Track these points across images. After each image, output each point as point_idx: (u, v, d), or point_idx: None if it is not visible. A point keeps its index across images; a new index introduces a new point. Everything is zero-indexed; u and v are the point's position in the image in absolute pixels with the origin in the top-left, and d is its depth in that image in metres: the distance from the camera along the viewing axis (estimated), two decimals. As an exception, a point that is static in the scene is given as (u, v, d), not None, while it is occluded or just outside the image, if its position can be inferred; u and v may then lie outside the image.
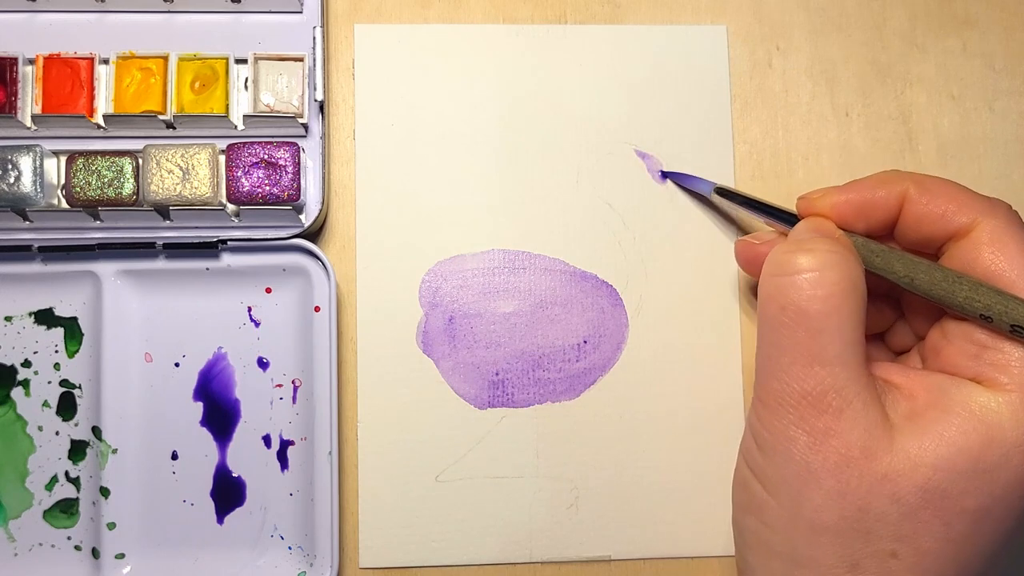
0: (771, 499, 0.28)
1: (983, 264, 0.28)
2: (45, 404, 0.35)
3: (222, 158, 0.35)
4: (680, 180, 0.37)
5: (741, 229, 0.37)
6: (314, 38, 0.36)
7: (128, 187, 0.34)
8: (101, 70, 0.36)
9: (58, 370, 0.35)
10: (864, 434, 0.27)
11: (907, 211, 0.29)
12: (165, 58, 0.35)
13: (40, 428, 0.35)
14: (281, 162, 0.35)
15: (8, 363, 0.35)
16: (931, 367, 0.29)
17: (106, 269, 0.35)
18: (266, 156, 0.35)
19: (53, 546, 0.35)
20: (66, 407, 0.35)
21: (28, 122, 0.35)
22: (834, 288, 0.27)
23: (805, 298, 0.27)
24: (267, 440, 0.35)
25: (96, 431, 0.35)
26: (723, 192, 0.35)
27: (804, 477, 0.27)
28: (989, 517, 0.26)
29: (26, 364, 0.35)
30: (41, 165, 0.34)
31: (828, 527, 0.27)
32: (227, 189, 0.35)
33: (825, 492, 0.27)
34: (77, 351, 0.36)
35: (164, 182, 0.34)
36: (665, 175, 0.37)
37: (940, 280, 0.28)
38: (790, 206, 0.38)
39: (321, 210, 0.35)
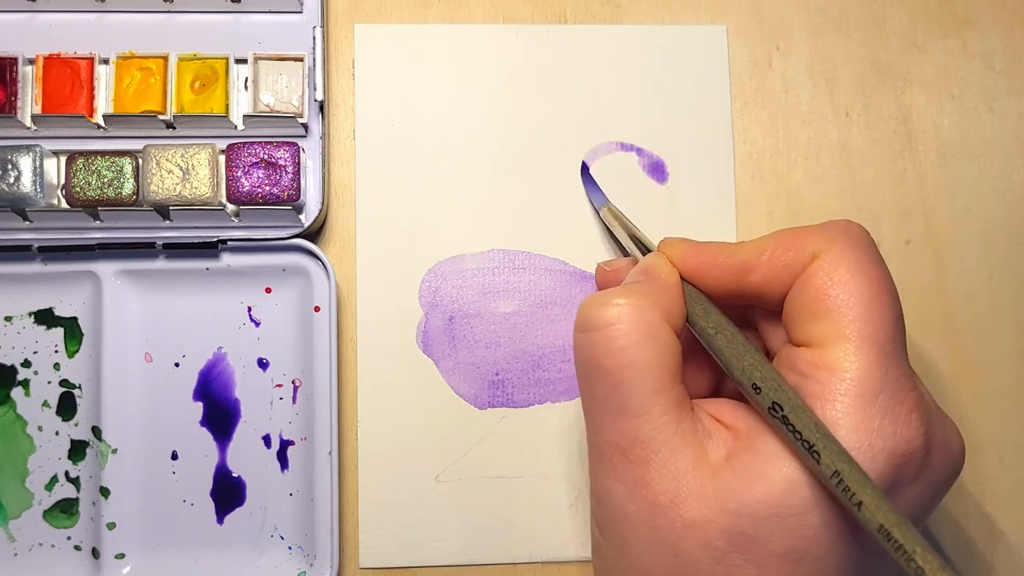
0: (605, 543, 0.28)
1: (812, 290, 0.27)
2: (45, 404, 0.35)
3: (222, 158, 0.35)
4: (586, 182, 0.37)
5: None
6: (314, 38, 0.36)
7: (128, 187, 0.34)
8: (101, 70, 0.36)
9: (58, 370, 0.35)
10: (672, 482, 0.26)
11: (752, 279, 0.29)
12: (165, 58, 0.35)
13: (40, 428, 0.35)
14: (281, 162, 0.35)
15: (8, 363, 0.35)
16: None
17: (106, 269, 0.35)
18: (266, 156, 0.35)
19: (53, 546, 0.35)
20: (66, 407, 0.35)
21: (28, 122, 0.35)
22: (627, 340, 0.27)
23: (601, 353, 0.27)
24: (267, 440, 0.35)
25: (96, 431, 0.35)
26: (612, 212, 0.35)
27: (623, 524, 0.27)
28: (807, 557, 0.26)
29: (26, 364, 0.35)
30: (41, 165, 0.34)
31: (651, 572, 0.27)
32: (227, 189, 0.35)
33: (642, 539, 0.27)
34: (77, 351, 0.36)
35: (164, 182, 0.34)
36: (584, 170, 0.37)
37: (727, 345, 0.28)
38: (787, 206, 0.38)
39: (321, 210, 0.35)
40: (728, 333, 0.28)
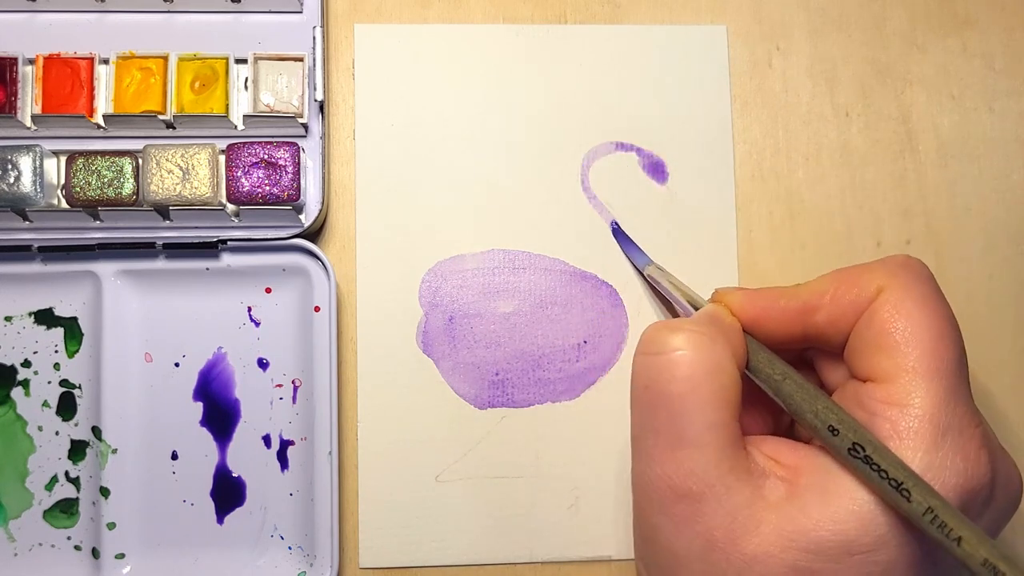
0: None
1: (879, 324, 0.27)
2: (45, 404, 0.35)
3: (222, 158, 0.35)
4: (622, 243, 0.36)
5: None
6: (314, 38, 0.36)
7: (128, 187, 0.34)
8: (101, 70, 0.36)
9: (58, 370, 0.35)
10: (727, 518, 0.26)
11: (817, 320, 0.29)
12: (165, 58, 0.35)
13: (40, 428, 0.35)
14: (281, 162, 0.35)
15: (8, 363, 0.35)
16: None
17: (106, 269, 0.35)
18: (266, 156, 0.35)
19: (53, 546, 0.35)
20: (66, 407, 0.35)
21: (28, 122, 0.35)
22: (695, 368, 0.27)
23: (666, 378, 0.27)
24: (267, 440, 0.35)
25: (96, 431, 0.35)
26: (655, 271, 0.35)
27: (673, 563, 0.27)
28: None
29: (26, 364, 0.35)
30: (41, 165, 0.34)
31: None
32: (227, 189, 0.35)
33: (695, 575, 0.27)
34: (77, 351, 0.36)
35: (164, 182, 0.34)
36: (615, 232, 0.37)
37: (797, 390, 0.28)
38: (787, 206, 0.38)
39: (321, 210, 0.35)
40: (796, 378, 0.28)
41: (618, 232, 0.37)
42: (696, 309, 0.31)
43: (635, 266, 0.36)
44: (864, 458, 0.26)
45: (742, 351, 0.29)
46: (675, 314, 0.36)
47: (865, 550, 0.26)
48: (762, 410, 0.32)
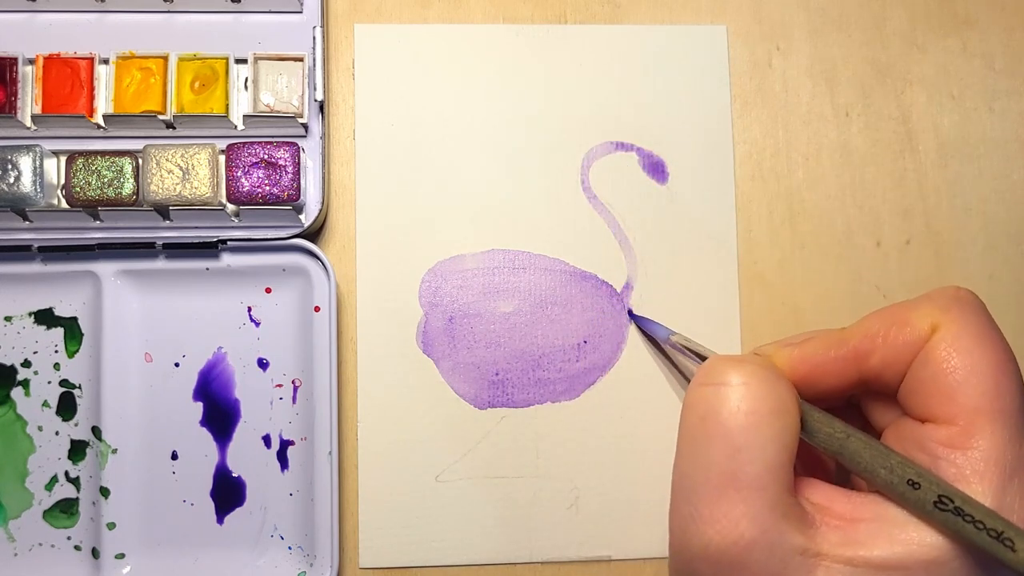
0: None
1: (936, 363, 0.26)
2: (45, 404, 0.35)
3: (222, 158, 0.35)
4: (641, 323, 0.36)
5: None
6: (314, 38, 0.36)
7: (128, 187, 0.34)
8: (101, 70, 0.36)
9: (58, 370, 0.35)
10: (779, 564, 0.25)
11: (872, 364, 0.27)
12: (165, 58, 0.35)
13: (40, 428, 0.35)
14: (281, 162, 0.35)
15: (8, 363, 0.35)
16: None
17: (106, 269, 0.35)
18: (266, 156, 0.35)
19: (53, 546, 0.35)
20: (66, 407, 0.35)
21: (28, 122, 0.35)
22: (759, 404, 0.25)
23: (728, 411, 0.26)
24: (267, 440, 0.35)
25: (96, 431, 0.35)
26: (681, 339, 0.34)
27: None
28: None
29: (26, 364, 0.35)
30: (41, 165, 0.34)
31: None
32: (227, 189, 0.35)
33: None
34: (77, 351, 0.36)
35: (164, 182, 0.34)
36: (632, 316, 0.36)
37: (865, 447, 0.27)
38: (787, 206, 0.38)
39: (321, 210, 0.35)
40: (860, 436, 0.27)
41: (633, 315, 0.36)
42: None
43: (657, 340, 0.36)
44: (954, 510, 0.24)
45: (798, 400, 0.27)
46: None
47: None
48: (805, 458, 0.30)
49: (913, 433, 0.27)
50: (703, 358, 0.31)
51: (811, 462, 0.31)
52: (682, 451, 0.27)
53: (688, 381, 0.35)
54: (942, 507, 0.25)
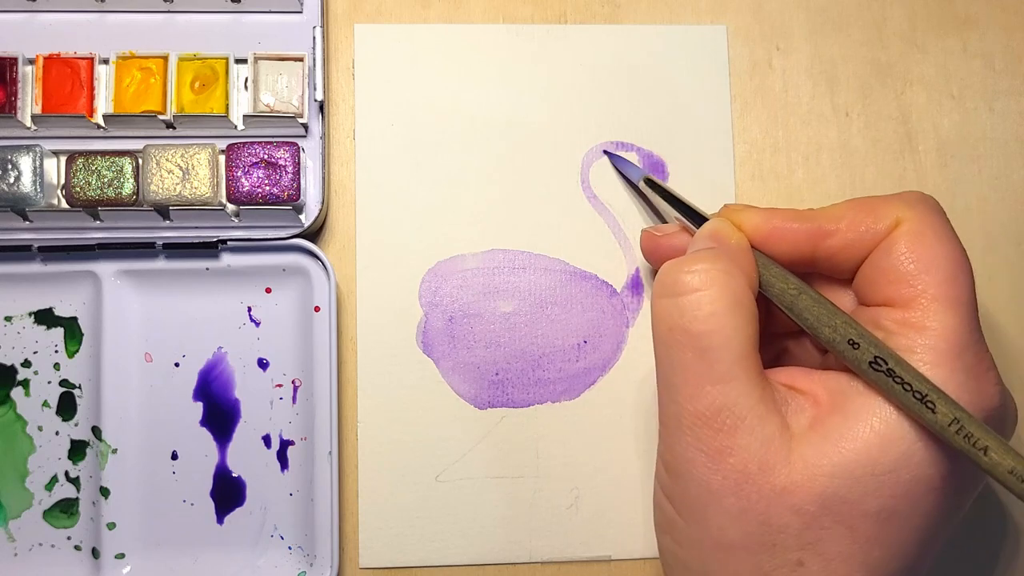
0: (680, 519, 0.28)
1: (900, 252, 0.28)
2: (45, 404, 0.35)
3: (222, 158, 0.35)
4: (616, 162, 0.37)
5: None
6: (314, 38, 0.36)
7: (128, 187, 0.34)
8: (101, 70, 0.36)
9: (58, 370, 0.35)
10: (760, 449, 0.26)
11: (830, 244, 0.29)
12: (165, 58, 0.35)
13: (40, 428, 0.35)
14: (281, 162, 0.35)
15: (8, 363, 0.35)
16: (841, 365, 0.29)
17: (106, 269, 0.35)
18: (266, 156, 0.35)
19: (53, 546, 0.35)
20: (66, 407, 0.35)
21: (28, 122, 0.35)
22: (716, 306, 0.27)
23: (689, 318, 0.27)
24: (267, 440, 0.35)
25: (96, 431, 0.35)
26: (650, 183, 0.35)
27: (705, 497, 0.27)
28: (895, 516, 0.26)
29: (26, 364, 0.35)
30: (41, 165, 0.34)
31: (734, 544, 0.27)
32: (227, 189, 0.35)
33: (727, 510, 0.27)
34: (77, 351, 0.36)
35: (164, 182, 0.34)
36: (608, 155, 0.37)
37: (814, 304, 0.28)
38: (787, 206, 0.38)
39: (321, 210, 0.35)
40: (812, 293, 0.29)
41: (611, 155, 0.37)
42: (700, 222, 0.31)
43: (630, 182, 0.37)
44: (887, 371, 0.26)
45: (753, 273, 0.29)
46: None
47: (888, 469, 0.26)
48: (771, 338, 0.32)
49: (868, 316, 0.28)
50: (675, 199, 0.33)
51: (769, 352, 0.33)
52: (659, 358, 0.29)
53: (662, 221, 0.36)
54: (876, 367, 0.26)
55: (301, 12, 0.37)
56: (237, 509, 0.35)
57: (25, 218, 0.35)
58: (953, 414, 0.25)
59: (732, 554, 0.27)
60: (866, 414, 0.27)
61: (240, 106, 0.36)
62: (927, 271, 0.27)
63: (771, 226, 0.30)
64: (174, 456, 0.35)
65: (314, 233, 0.36)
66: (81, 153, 0.35)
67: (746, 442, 0.27)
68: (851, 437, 0.26)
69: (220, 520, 0.35)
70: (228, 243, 0.35)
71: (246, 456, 0.35)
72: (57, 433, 0.35)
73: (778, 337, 0.33)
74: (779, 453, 0.26)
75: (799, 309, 0.28)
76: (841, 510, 0.26)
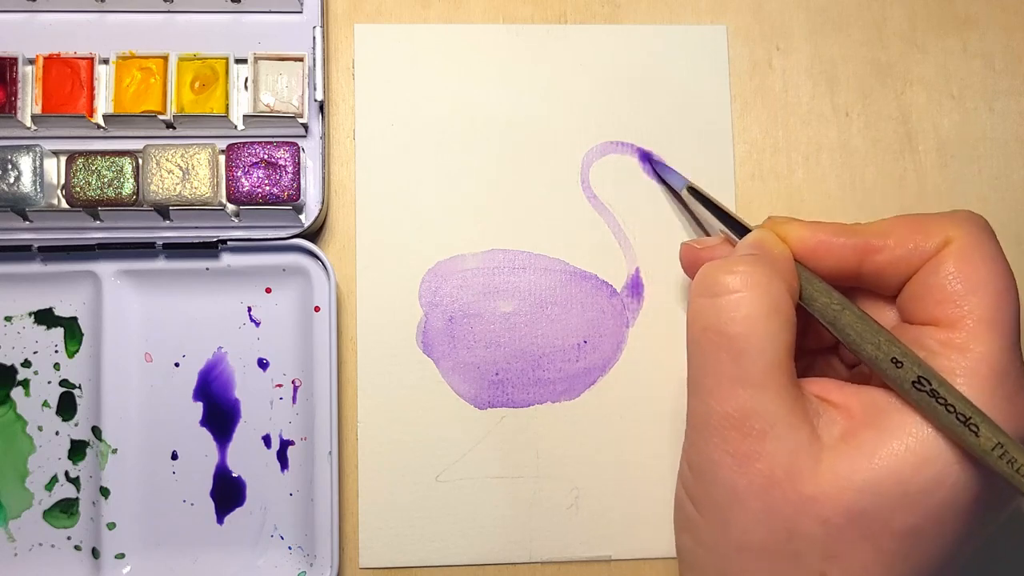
0: (702, 519, 0.28)
1: (947, 272, 0.27)
2: (45, 404, 0.35)
3: (222, 158, 0.35)
4: (659, 169, 0.37)
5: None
6: (314, 38, 0.36)
7: (128, 187, 0.34)
8: (101, 70, 0.36)
9: (58, 370, 0.35)
10: (789, 456, 0.26)
11: (877, 260, 0.29)
12: (165, 58, 0.35)
13: (40, 428, 0.35)
14: (281, 162, 0.35)
15: (8, 363, 0.35)
16: (876, 381, 0.29)
17: (106, 269, 0.35)
18: (266, 156, 0.35)
19: (53, 546, 0.35)
20: (66, 407, 0.35)
21: (28, 122, 0.35)
22: (753, 309, 0.27)
23: (725, 320, 0.27)
24: (267, 440, 0.35)
25: (96, 431, 0.35)
26: (693, 192, 0.35)
27: (730, 499, 0.27)
28: (921, 536, 0.26)
29: (26, 364, 0.35)
30: (41, 165, 0.34)
31: (755, 548, 0.27)
32: (227, 189, 0.35)
33: (751, 514, 0.27)
34: (77, 351, 0.36)
35: (164, 182, 0.34)
36: (646, 157, 0.37)
37: (858, 320, 0.28)
38: (788, 206, 0.38)
39: (321, 210, 0.35)
40: (855, 309, 0.28)
41: (650, 160, 0.37)
42: (742, 233, 0.31)
43: (673, 190, 0.36)
44: (930, 391, 0.26)
45: (795, 283, 0.29)
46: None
47: (919, 489, 0.26)
48: (800, 352, 0.32)
49: (911, 334, 0.28)
50: (718, 209, 0.33)
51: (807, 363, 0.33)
52: (692, 358, 0.29)
53: (706, 233, 0.36)
54: (919, 387, 0.26)
55: (301, 12, 0.37)
56: (237, 509, 0.35)
57: (25, 218, 0.35)
58: (997, 439, 0.25)
59: (752, 557, 0.27)
60: (902, 432, 0.26)
61: (240, 106, 0.36)
62: (974, 292, 0.27)
63: (816, 240, 0.29)
64: (174, 456, 0.35)
65: (314, 233, 0.36)
66: (81, 153, 0.35)
67: (774, 448, 0.26)
68: (884, 454, 0.26)
69: (220, 520, 0.35)
70: (228, 243, 0.35)
71: (246, 456, 0.35)
72: (57, 433, 0.35)
73: (808, 353, 0.33)
74: (807, 462, 0.26)
75: (842, 325, 0.28)
76: (868, 525, 0.26)
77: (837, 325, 0.28)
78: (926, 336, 0.27)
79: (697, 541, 0.28)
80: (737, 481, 0.27)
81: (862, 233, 0.29)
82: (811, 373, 0.33)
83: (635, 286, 0.37)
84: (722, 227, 0.33)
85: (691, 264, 0.33)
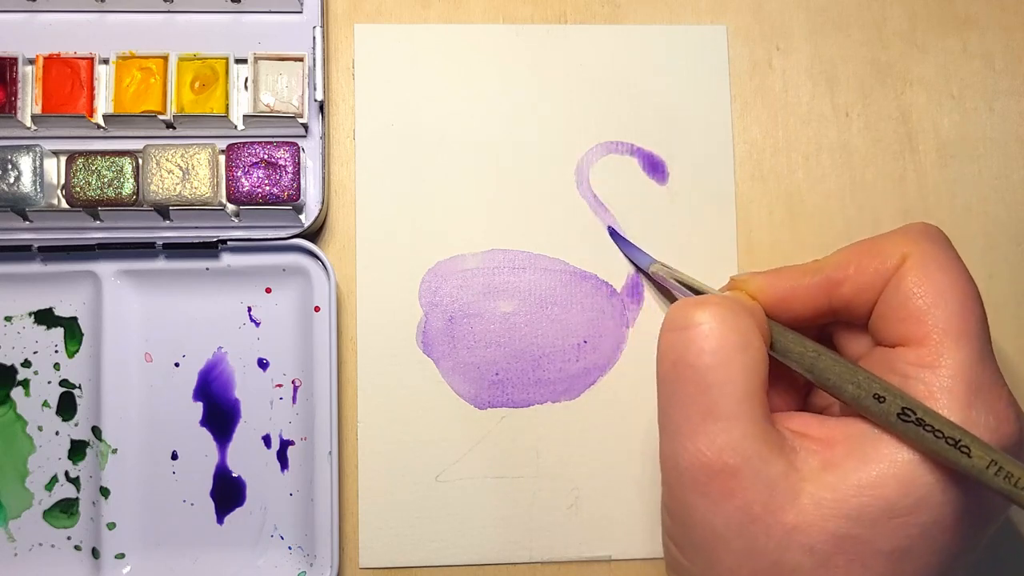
0: (687, 562, 0.28)
1: (907, 289, 0.27)
2: (45, 404, 0.35)
3: (222, 158, 0.35)
4: (622, 245, 0.36)
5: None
6: (314, 38, 0.36)
7: (128, 187, 0.34)
8: (101, 70, 0.36)
9: (58, 370, 0.35)
10: (765, 490, 0.26)
11: (843, 292, 0.29)
12: (165, 58, 0.35)
13: (40, 428, 0.35)
14: (281, 162, 0.35)
15: (8, 363, 0.35)
16: (854, 412, 0.29)
17: (106, 269, 0.35)
18: (266, 156, 0.35)
19: (53, 546, 0.35)
20: (66, 407, 0.35)
21: (28, 122, 0.35)
22: (723, 342, 0.27)
23: (695, 352, 0.27)
24: (267, 440, 0.35)
25: (96, 431, 0.35)
26: (661, 268, 0.35)
27: (711, 541, 0.27)
28: (911, 554, 0.26)
29: (26, 364, 0.35)
30: (41, 165, 0.34)
31: None
32: (227, 189, 0.35)
33: (734, 554, 0.26)
34: (77, 351, 0.36)
35: (164, 182, 0.34)
36: (613, 235, 0.36)
37: (834, 364, 0.28)
38: (787, 206, 0.38)
39: (321, 210, 0.35)
40: (830, 354, 0.28)
41: (616, 235, 0.36)
42: None
43: (638, 267, 0.36)
44: (916, 420, 0.26)
45: (767, 332, 0.29)
46: None
47: (906, 512, 0.26)
48: (780, 390, 0.32)
49: (884, 358, 0.28)
50: (686, 286, 0.33)
51: (787, 399, 0.32)
52: (660, 396, 0.28)
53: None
54: (905, 418, 0.26)
55: (301, 12, 0.37)
56: (237, 509, 0.35)
57: (25, 218, 0.35)
58: (990, 456, 0.25)
59: None
60: (885, 459, 0.26)
61: (240, 106, 0.36)
62: (936, 305, 0.27)
63: (783, 288, 0.29)
64: (174, 456, 0.35)
65: (314, 233, 0.36)
66: (81, 153, 0.35)
67: (749, 483, 0.26)
68: (870, 480, 0.26)
69: (220, 520, 0.35)
70: (228, 243, 0.35)
71: (246, 456, 0.35)
72: (57, 433, 0.35)
73: (800, 388, 0.33)
74: (786, 494, 0.26)
75: (819, 370, 0.28)
76: (855, 548, 0.26)
77: (815, 371, 0.28)
78: (897, 360, 0.27)
79: None
80: (714, 522, 0.27)
81: (822, 269, 0.29)
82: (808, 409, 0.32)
83: (635, 286, 0.37)
84: (690, 296, 0.33)
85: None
